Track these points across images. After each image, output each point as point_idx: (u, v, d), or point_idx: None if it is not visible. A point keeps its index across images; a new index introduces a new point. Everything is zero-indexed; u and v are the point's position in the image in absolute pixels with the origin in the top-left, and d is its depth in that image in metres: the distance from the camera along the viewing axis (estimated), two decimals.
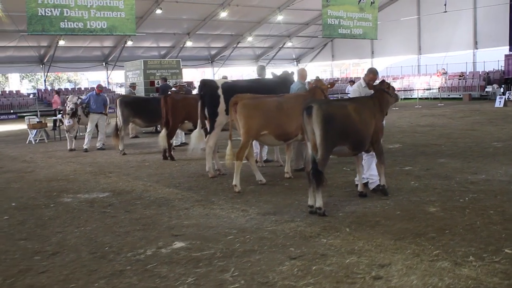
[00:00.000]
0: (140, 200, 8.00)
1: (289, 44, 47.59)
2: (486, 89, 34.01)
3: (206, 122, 9.76)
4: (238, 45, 45.75)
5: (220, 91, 9.53)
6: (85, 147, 14.64)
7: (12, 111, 36.05)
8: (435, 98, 34.13)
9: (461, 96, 34.62)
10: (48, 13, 18.78)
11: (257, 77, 10.98)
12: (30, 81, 65.55)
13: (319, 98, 8.33)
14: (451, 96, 35.41)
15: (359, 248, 5.24)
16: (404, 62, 42.72)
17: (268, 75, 11.02)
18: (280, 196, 7.85)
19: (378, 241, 5.41)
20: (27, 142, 17.60)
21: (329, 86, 9.55)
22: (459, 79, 36.50)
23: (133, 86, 18.55)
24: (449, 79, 37.28)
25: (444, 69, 38.06)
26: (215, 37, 44.38)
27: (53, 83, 64.73)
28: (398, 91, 36.40)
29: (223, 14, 36.89)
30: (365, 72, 8.21)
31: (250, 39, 44.07)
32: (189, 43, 42.26)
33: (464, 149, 11.78)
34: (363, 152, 7.53)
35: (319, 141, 6.54)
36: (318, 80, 9.75)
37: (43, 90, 41.13)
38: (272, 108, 8.36)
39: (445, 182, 8.31)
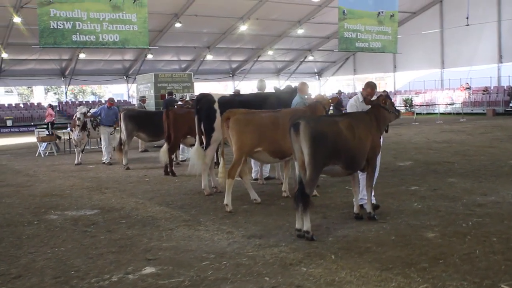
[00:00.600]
0: (127, 219, 7.65)
1: (310, 58, 47.22)
2: (511, 104, 33.05)
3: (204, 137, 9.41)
4: (258, 59, 45.61)
5: (216, 106, 9.19)
6: (107, 161, 14.40)
7: (32, 123, 36.37)
8: (458, 113, 33.27)
9: (484, 111, 33.70)
10: (60, 26, 18.76)
11: (258, 91, 10.62)
12: (55, 93, 66.24)
13: (316, 114, 7.92)
14: (474, 111, 34.50)
15: (340, 279, 4.78)
16: (427, 76, 41.94)
17: (270, 89, 10.66)
18: (272, 217, 7.42)
19: (363, 271, 4.94)
20: (36, 155, 17.51)
21: (330, 101, 9.16)
22: (483, 94, 35.59)
23: (142, 99, 18.35)
24: (472, 94, 36.37)
25: (467, 83, 37.16)
26: (236, 51, 44.29)
27: (77, 95, 65.47)
28: (419, 106, 35.93)
29: (243, 28, 36.77)
30: (364, 86, 7.77)
31: (270, 52, 43.88)
32: (209, 57, 42.26)
33: (478, 167, 11.18)
34: (358, 172, 7.08)
35: (307, 160, 6.11)
36: (319, 95, 9.32)
37: (64, 103, 41.47)
38: (266, 123, 7.96)
39: (450, 204, 7.77)
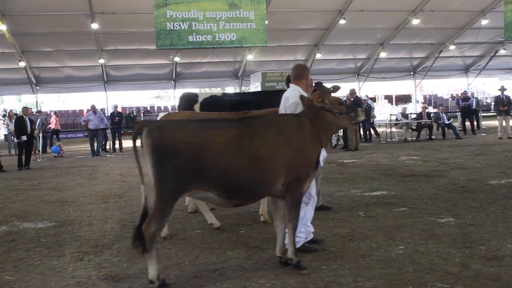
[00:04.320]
0: (55, 237, 6.64)
1: (502, 51, 41.12)
2: None
3: None
4: (440, 55, 41.18)
5: (197, 107, 7.71)
6: None
7: None
8: None
9: None
10: (176, 27, 18.70)
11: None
12: None
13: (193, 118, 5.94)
14: None
15: None
16: None
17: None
18: (189, 250, 5.75)
19: None
20: None
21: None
22: None
23: None
24: None
25: None
26: (414, 47, 40.47)
27: None
28: None
29: (416, 21, 33.46)
30: None
31: (452, 47, 39.23)
32: (383, 54, 39.42)
33: None
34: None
35: (152, 183, 4.40)
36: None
37: None
38: None
39: (452, 251, 5.19)
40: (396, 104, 54.48)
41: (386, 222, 6.57)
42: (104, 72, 38.18)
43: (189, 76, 40.47)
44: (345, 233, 6.11)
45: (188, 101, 7.85)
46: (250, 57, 37.28)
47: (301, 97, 5.13)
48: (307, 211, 5.62)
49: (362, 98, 20.52)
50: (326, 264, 4.98)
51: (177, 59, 36.40)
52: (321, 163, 5.01)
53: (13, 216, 8.10)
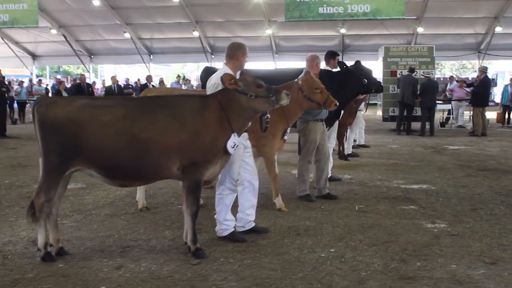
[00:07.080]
0: None
1: None
2: None
3: None
4: None
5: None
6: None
7: None
8: None
9: None
10: None
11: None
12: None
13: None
14: None
15: None
16: None
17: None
18: (141, 225, 5.84)
19: None
20: None
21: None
22: None
23: None
24: None
25: None
26: None
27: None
28: None
29: None
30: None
31: None
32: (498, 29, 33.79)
33: None
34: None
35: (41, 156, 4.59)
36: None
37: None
38: None
39: (382, 265, 4.52)
40: None
41: (367, 220, 5.90)
42: (273, 43, 39.04)
43: (358, 48, 39.36)
44: (303, 227, 5.63)
45: (206, 75, 7.79)
46: (420, 29, 34.98)
47: (222, 77, 4.80)
48: (245, 199, 5.38)
49: None
50: (228, 257, 4.71)
51: (343, 30, 35.73)
52: (230, 149, 4.69)
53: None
